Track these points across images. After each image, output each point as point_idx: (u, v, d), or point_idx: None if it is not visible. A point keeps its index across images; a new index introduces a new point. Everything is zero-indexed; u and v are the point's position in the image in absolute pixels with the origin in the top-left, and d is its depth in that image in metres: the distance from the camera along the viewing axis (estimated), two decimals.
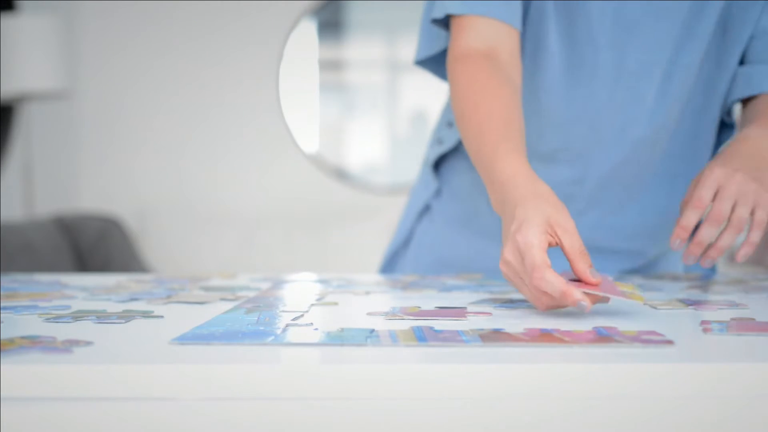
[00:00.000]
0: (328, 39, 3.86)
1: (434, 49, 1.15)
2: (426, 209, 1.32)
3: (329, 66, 3.87)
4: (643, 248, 1.24)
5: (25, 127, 3.29)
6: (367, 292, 1.00)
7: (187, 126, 3.67)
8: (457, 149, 1.28)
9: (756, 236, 0.97)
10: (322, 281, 1.12)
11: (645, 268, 1.28)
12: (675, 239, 0.99)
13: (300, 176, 3.67)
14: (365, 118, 3.97)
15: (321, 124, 3.85)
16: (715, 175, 0.97)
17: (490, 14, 1.05)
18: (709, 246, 0.99)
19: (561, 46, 1.12)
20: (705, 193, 0.97)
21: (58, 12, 3.29)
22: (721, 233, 0.98)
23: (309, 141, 3.75)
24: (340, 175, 3.74)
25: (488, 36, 1.05)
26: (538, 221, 0.80)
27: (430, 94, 3.77)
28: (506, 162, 0.89)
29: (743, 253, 0.98)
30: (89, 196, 3.64)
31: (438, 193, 1.30)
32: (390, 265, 1.36)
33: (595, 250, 1.22)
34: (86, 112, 3.65)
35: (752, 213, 0.97)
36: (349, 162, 3.83)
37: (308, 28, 3.76)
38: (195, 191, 3.67)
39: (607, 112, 1.13)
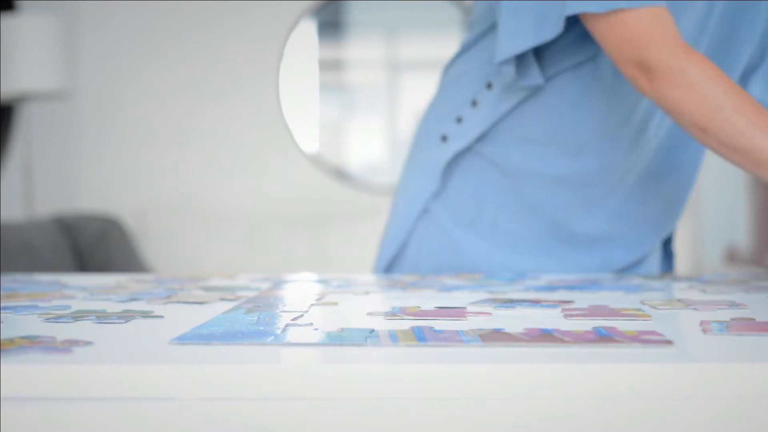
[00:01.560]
0: (328, 39, 3.86)
1: (542, 39, 1.11)
2: (424, 212, 1.28)
3: (329, 66, 3.87)
4: (647, 236, 1.26)
5: (25, 127, 3.29)
6: (367, 292, 1.00)
7: (187, 126, 3.67)
8: (471, 152, 1.26)
9: None
10: (321, 281, 1.12)
11: (633, 268, 1.28)
12: None
13: (300, 176, 3.67)
14: (365, 118, 3.97)
15: (321, 124, 3.85)
16: None
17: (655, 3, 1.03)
18: None
19: None
20: None
21: (58, 12, 3.29)
22: None
23: (309, 141, 3.75)
24: (340, 175, 3.74)
25: (670, 20, 1.04)
26: None
27: (430, 94, 3.77)
28: None
29: None
30: (89, 196, 3.64)
31: (437, 194, 1.27)
32: (386, 272, 1.32)
33: (605, 240, 1.23)
34: (86, 112, 3.65)
35: None
36: (348, 162, 3.83)
37: (308, 28, 3.76)
38: (195, 191, 3.67)
39: (641, 99, 1.16)
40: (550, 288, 1.02)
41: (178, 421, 0.59)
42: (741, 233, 3.72)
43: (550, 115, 1.20)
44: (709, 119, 1.00)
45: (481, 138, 1.24)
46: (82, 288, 1.04)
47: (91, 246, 3.03)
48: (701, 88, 1.00)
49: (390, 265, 1.32)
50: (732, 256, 3.62)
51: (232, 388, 0.59)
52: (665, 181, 1.24)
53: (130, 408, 0.59)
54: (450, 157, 1.25)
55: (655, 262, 1.33)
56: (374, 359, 0.62)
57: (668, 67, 1.01)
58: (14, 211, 3.30)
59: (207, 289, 1.03)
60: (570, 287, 1.03)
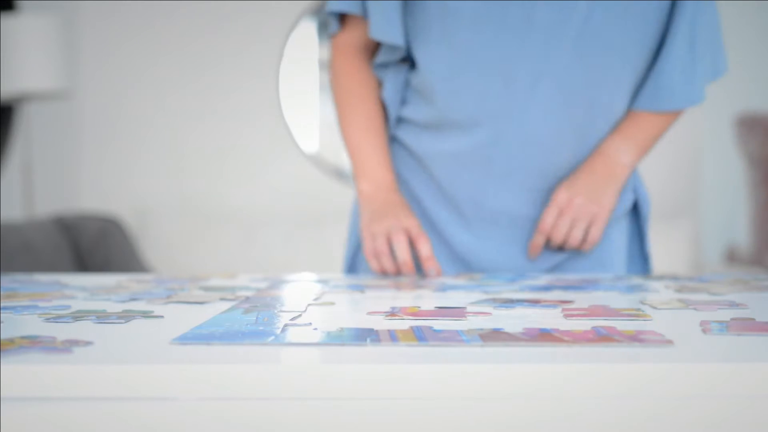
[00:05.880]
0: (329, 39, 3.86)
1: (355, 10, 1.27)
2: None
3: (329, 66, 3.87)
4: None
5: (25, 127, 3.29)
6: (364, 292, 1.00)
7: (187, 126, 3.67)
8: (393, 140, 1.32)
9: (588, 248, 1.23)
10: (320, 281, 1.12)
11: (581, 262, 1.28)
12: (530, 255, 1.24)
13: (300, 176, 3.67)
14: None
15: (321, 124, 3.86)
16: (558, 201, 1.20)
17: (377, 36, 1.23)
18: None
19: (470, 3, 1.17)
20: (548, 218, 1.20)
21: (58, 12, 3.29)
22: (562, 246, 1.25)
23: (309, 141, 3.75)
24: (340, 174, 3.74)
25: (364, 34, 1.28)
26: (414, 218, 1.20)
27: None
28: (381, 169, 1.26)
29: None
30: (89, 196, 3.64)
31: None
32: (351, 270, 1.35)
33: (529, 220, 1.25)
34: (86, 112, 3.65)
35: (588, 229, 1.22)
36: (348, 162, 3.83)
37: (308, 28, 3.76)
38: (195, 191, 3.66)
39: (520, 64, 1.18)
40: (550, 288, 1.02)
41: (178, 421, 0.59)
42: (741, 233, 3.72)
43: (428, 91, 1.23)
44: (336, 105, 1.32)
45: (397, 124, 1.31)
46: (82, 288, 1.04)
47: (91, 246, 3.03)
48: (336, 85, 1.33)
49: (352, 264, 1.35)
50: (732, 256, 3.62)
51: (232, 388, 0.59)
52: (574, 156, 1.23)
53: (130, 408, 0.59)
54: None
55: (615, 263, 1.29)
56: (374, 359, 0.62)
57: (331, 62, 1.35)
58: (14, 211, 3.30)
59: (207, 289, 1.03)
60: (570, 287, 1.03)
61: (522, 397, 0.59)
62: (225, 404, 0.59)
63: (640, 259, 1.34)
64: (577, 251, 1.26)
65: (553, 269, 1.27)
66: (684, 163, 3.45)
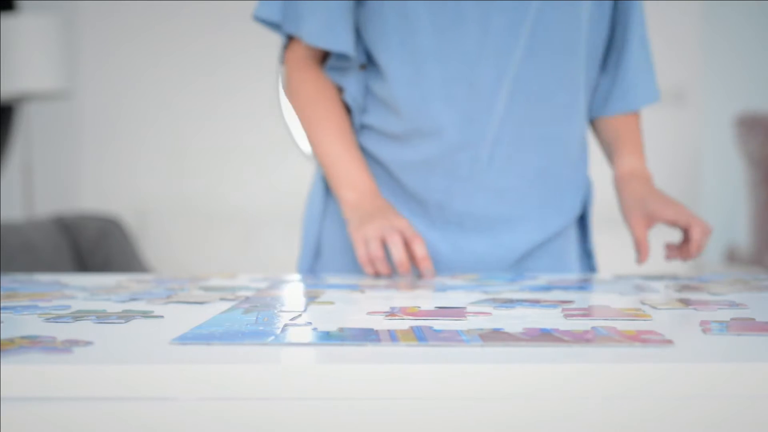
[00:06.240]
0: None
1: (275, 18, 1.31)
2: (325, 211, 1.33)
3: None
4: (541, 216, 1.27)
5: (25, 127, 3.29)
6: (364, 292, 1.00)
7: (187, 126, 3.67)
8: None
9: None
10: (319, 281, 1.12)
11: (540, 260, 1.29)
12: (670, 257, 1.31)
13: (300, 176, 3.67)
14: None
15: None
16: (677, 215, 1.24)
17: (313, 43, 1.22)
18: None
19: (426, 8, 1.19)
20: (690, 223, 1.23)
21: (58, 12, 3.29)
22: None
23: None
24: None
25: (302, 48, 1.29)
26: (404, 219, 1.19)
27: None
28: (363, 176, 1.24)
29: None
30: (89, 196, 3.64)
31: (329, 191, 1.32)
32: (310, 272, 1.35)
33: (495, 219, 1.26)
34: (86, 112, 3.65)
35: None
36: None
37: None
38: (195, 191, 3.67)
39: (481, 67, 1.20)
40: (550, 288, 1.02)
41: (178, 421, 0.59)
42: (741, 233, 3.72)
43: (393, 100, 1.24)
44: (300, 118, 1.30)
45: (360, 131, 1.31)
46: (82, 288, 1.04)
47: (91, 246, 3.03)
48: (296, 97, 1.31)
49: (311, 268, 1.34)
50: (732, 256, 3.62)
51: (232, 388, 0.59)
52: (535, 154, 1.25)
53: (130, 408, 0.59)
54: None
55: (571, 260, 1.33)
56: (374, 359, 0.63)
57: (285, 75, 1.33)
58: (14, 211, 3.30)
59: (207, 289, 1.03)
60: (570, 287, 1.03)
61: (522, 397, 0.59)
62: (225, 404, 0.59)
63: (585, 256, 1.37)
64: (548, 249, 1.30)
65: (515, 266, 1.28)
66: (684, 163, 3.45)
